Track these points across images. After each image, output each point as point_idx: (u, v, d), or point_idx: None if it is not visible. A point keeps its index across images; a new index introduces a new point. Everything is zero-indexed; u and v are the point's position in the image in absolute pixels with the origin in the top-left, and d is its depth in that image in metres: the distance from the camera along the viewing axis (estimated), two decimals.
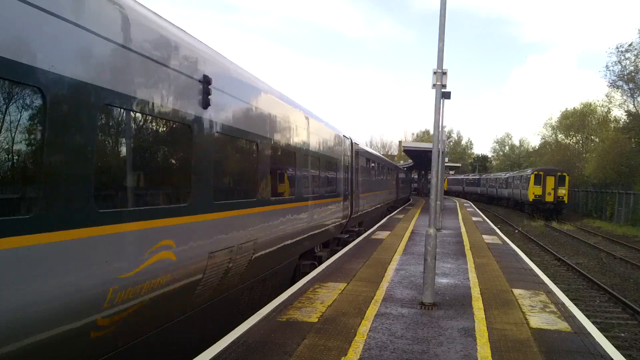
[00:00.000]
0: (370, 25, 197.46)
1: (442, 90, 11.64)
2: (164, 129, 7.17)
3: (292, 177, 13.16)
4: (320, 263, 15.89)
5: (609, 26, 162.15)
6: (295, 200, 13.15)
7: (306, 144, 14.39)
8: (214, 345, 7.86)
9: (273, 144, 11.51)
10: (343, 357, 7.48)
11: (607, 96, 57.02)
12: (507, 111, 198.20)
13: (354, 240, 21.92)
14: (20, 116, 4.76)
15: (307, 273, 13.96)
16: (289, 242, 12.76)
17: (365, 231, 25.71)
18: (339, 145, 19.77)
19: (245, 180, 10.39)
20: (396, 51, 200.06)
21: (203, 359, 7.23)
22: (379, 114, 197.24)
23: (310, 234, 14.85)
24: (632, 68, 51.80)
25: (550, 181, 52.91)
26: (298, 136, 13.63)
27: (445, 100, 26.68)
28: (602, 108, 65.29)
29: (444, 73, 11.50)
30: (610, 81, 54.80)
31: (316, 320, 9.33)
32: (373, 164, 32.13)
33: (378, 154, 44.84)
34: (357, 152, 24.45)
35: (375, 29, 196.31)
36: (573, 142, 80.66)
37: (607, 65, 70.16)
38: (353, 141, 23.53)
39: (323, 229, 16.75)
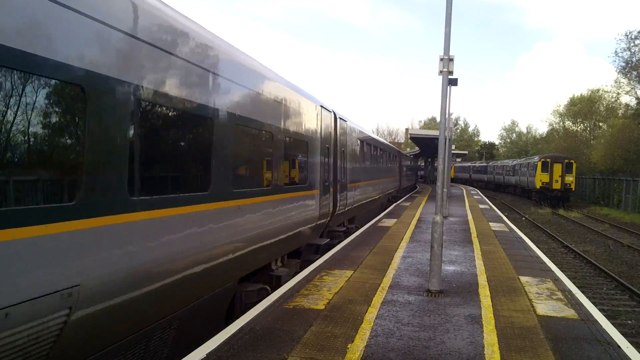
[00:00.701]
0: (375, 14, 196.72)
1: (449, 76, 11.60)
2: None
3: (207, 159, 8.22)
4: (278, 285, 11.34)
5: (616, 13, 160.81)
6: (215, 199, 8.28)
7: (248, 111, 9.79)
8: (221, 332, 7.90)
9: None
10: (350, 344, 7.50)
11: (615, 82, 56.56)
12: (514, 98, 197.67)
13: (342, 241, 18.02)
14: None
15: (253, 303, 9.77)
16: (198, 268, 7.84)
17: (357, 229, 21.46)
18: (311, 119, 14.74)
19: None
20: (402, 39, 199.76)
21: (210, 346, 7.26)
22: (386, 101, 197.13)
23: (256, 245, 10.22)
24: None
25: (558, 168, 52.69)
26: (230, 96, 9.07)
27: (452, 88, 26.58)
28: (611, 94, 64.81)
29: (451, 59, 11.45)
30: (619, 67, 54.37)
31: (323, 307, 9.36)
32: (368, 148, 26.73)
33: (375, 136, 37.87)
34: (344, 132, 19.80)
35: (380, 17, 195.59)
36: (580, 129, 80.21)
37: (616, 51, 69.56)
38: (338, 116, 18.57)
39: (283, 236, 11.95)
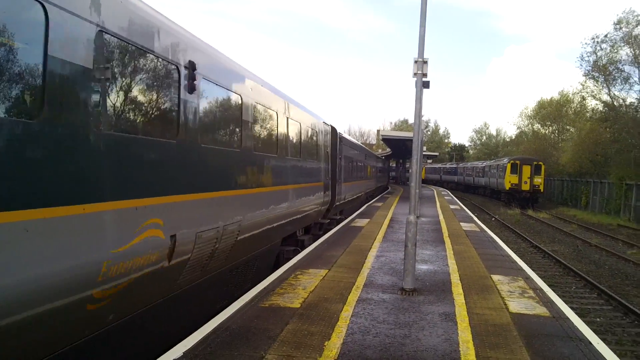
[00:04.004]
0: (352, 16, 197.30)
1: (423, 79, 11.66)
2: None
3: (273, 162, 12.98)
4: (302, 247, 16.59)
5: (586, 19, 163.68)
6: (277, 184, 13.13)
7: (285, 133, 14.40)
8: (197, 331, 7.86)
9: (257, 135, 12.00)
10: (327, 342, 7.53)
11: (581, 84, 57.46)
12: (485, 101, 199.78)
13: (334, 227, 22.01)
14: None
15: (290, 259, 14.07)
16: (272, 225, 12.88)
17: (345, 219, 25.66)
18: (321, 133, 19.94)
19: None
20: (377, 42, 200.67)
21: (186, 345, 7.23)
22: (358, 103, 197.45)
23: (291, 218, 15.02)
24: (607, 59, 52.26)
25: (527, 170, 53.37)
26: (279, 125, 13.73)
27: (424, 90, 26.79)
28: (577, 96, 65.86)
29: (425, 62, 11.51)
30: (586, 71, 55.24)
31: (299, 305, 9.37)
32: (354, 153, 31.95)
33: (359, 143, 45.40)
34: (340, 141, 24.71)
35: (357, 19, 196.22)
36: (549, 131, 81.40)
37: (582, 56, 70.74)
38: (338, 132, 23.76)
39: (304, 214, 16.98)
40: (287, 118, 14.41)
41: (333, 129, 23.27)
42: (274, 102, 13.31)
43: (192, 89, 8.02)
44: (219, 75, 9.46)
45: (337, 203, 23.75)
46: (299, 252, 15.21)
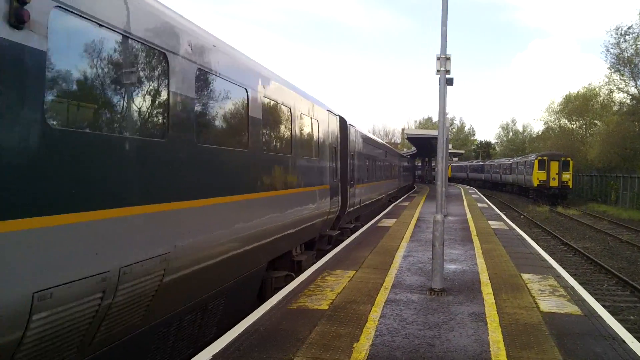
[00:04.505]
0: (370, 14, 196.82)
1: (446, 76, 11.59)
2: None
3: (238, 161, 9.28)
4: (300, 270, 13.13)
5: (611, 10, 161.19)
6: (249, 190, 9.56)
7: (262, 119, 10.49)
8: (225, 334, 7.89)
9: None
10: (355, 344, 7.50)
11: (607, 77, 56.48)
12: (511, 97, 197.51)
13: (346, 238, 18.65)
14: None
15: (280, 288, 11.21)
16: (245, 248, 9.42)
17: (362, 227, 22.30)
18: (323, 124, 16.20)
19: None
20: (397, 39, 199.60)
21: (215, 348, 7.25)
22: (382, 102, 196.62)
23: (281, 235, 11.53)
24: (632, 51, 51.36)
25: (555, 166, 52.71)
26: (252, 108, 9.96)
27: (448, 88, 26.57)
28: (604, 89, 64.82)
29: (448, 58, 11.47)
30: (610, 63, 54.33)
31: (327, 307, 9.35)
32: (371, 150, 28.22)
33: (378, 138, 40.66)
34: (353, 136, 21.45)
35: (375, 17, 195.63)
36: (576, 126, 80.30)
37: (606, 47, 69.57)
38: (349, 123, 20.36)
39: (301, 228, 13.29)
40: (265, 98, 10.63)
41: (342, 120, 19.57)
42: (241, 73, 9.57)
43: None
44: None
45: (350, 209, 20.53)
46: (293, 278, 12.18)
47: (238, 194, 9.06)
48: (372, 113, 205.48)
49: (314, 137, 14.94)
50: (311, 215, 14.18)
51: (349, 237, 19.19)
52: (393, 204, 36.32)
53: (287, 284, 11.25)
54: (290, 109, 12.45)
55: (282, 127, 12.14)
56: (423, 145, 59.77)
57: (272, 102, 11.19)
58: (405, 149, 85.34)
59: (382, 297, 10.15)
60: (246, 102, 9.58)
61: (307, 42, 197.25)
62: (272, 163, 11.00)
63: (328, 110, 17.09)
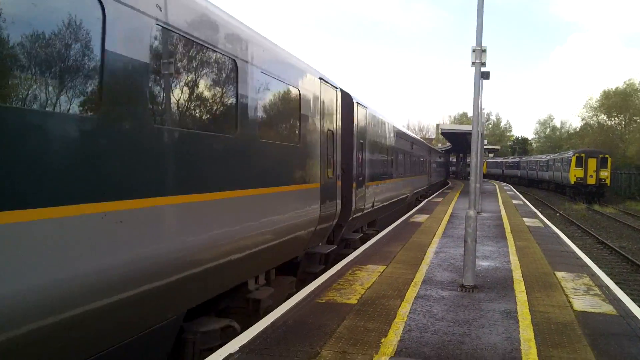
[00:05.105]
0: (404, 9, 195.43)
1: (481, 69, 11.42)
2: None
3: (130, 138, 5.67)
4: (256, 317, 8.70)
5: None
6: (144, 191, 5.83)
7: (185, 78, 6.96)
8: (253, 326, 7.90)
9: None
10: (383, 339, 7.44)
11: None
12: (549, 92, 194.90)
13: (352, 253, 14.19)
14: None
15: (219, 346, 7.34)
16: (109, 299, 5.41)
17: (376, 234, 18.44)
18: (312, 97, 11.65)
19: None
20: (431, 34, 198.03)
21: (242, 340, 7.26)
22: (416, 97, 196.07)
23: (213, 264, 7.41)
24: None
25: (592, 163, 51.84)
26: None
27: (484, 82, 26.20)
28: None
29: (483, 50, 11.27)
30: None
31: (355, 302, 9.30)
32: (393, 140, 23.24)
33: (402, 127, 31.46)
34: (363, 119, 16.71)
35: (410, 12, 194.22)
36: (615, 123, 78.72)
37: None
38: (356, 101, 15.55)
39: (266, 245, 9.21)
40: (188, 40, 6.85)
41: (345, 97, 14.83)
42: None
43: None
44: None
45: (358, 214, 15.99)
46: (238, 332, 7.92)
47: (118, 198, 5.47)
48: (406, 108, 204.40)
49: (293, 113, 10.65)
50: (286, 227, 10.10)
51: (356, 249, 14.98)
52: (426, 200, 36.02)
53: (230, 339, 7.43)
54: (234, 60, 7.97)
55: (216, 90, 7.80)
56: (458, 141, 59.29)
57: (213, 51, 7.46)
58: (439, 144, 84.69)
59: (412, 293, 10.06)
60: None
61: (343, 37, 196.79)
62: (190, 146, 6.82)
63: (321, 79, 12.24)
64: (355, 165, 15.55)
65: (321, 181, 12.10)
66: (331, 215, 13.20)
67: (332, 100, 13.39)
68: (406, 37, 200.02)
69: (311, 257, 12.75)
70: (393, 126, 24.02)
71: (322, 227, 12.57)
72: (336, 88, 13.75)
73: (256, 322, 8.10)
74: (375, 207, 18.77)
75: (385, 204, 21.11)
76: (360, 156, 16.22)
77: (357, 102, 15.75)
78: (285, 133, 10.45)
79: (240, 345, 7.04)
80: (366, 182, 17.03)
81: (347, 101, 14.97)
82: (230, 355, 6.72)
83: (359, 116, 16.04)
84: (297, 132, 10.78)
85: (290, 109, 10.56)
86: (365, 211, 17.22)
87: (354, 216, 15.54)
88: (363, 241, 16.71)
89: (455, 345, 7.28)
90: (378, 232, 18.76)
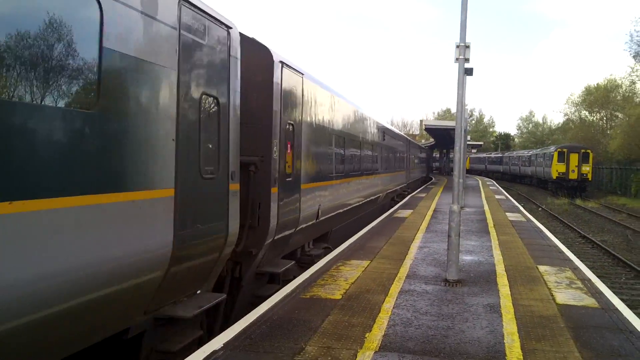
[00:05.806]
0: (387, 2, 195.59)
1: (465, 66, 11.43)
2: None
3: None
4: None
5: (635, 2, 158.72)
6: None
7: None
8: (237, 323, 7.87)
9: None
10: (367, 333, 7.44)
11: (630, 67, 55.84)
12: (531, 88, 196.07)
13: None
14: None
15: None
16: None
17: (328, 251, 14.20)
18: (132, 16, 5.86)
19: None
20: (416, 30, 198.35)
21: (228, 335, 7.23)
22: (399, 93, 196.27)
23: None
24: None
25: (574, 158, 52.27)
26: None
27: (467, 79, 26.21)
28: (626, 80, 63.90)
29: (467, 46, 11.27)
30: (635, 53, 53.58)
31: (340, 297, 9.30)
32: (355, 126, 18.63)
33: (369, 113, 22.69)
34: (294, 89, 11.65)
35: (393, 5, 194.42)
36: (597, 118, 79.42)
37: (630, 36, 68.55)
38: (279, 60, 10.57)
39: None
40: None
41: (254, 49, 10.08)
42: None
43: None
44: None
45: (288, 231, 11.44)
46: None
47: None
48: (390, 105, 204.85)
49: (81, 45, 5.12)
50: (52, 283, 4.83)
51: (289, 281, 10.64)
52: (409, 195, 36.09)
53: None
54: None
55: None
56: (442, 137, 59.38)
57: None
58: (423, 140, 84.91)
59: (396, 288, 10.08)
60: None
61: (324, 31, 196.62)
62: None
63: (194, 8, 7.13)
64: (279, 160, 10.57)
65: (178, 185, 6.76)
66: (214, 242, 7.98)
67: (215, 44, 7.89)
68: (389, 33, 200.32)
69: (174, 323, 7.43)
70: (355, 109, 19.03)
71: (188, 265, 7.28)
72: (229, 28, 8.22)
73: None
74: (322, 218, 13.93)
75: (340, 211, 16.39)
76: (290, 146, 11.38)
77: (283, 63, 10.75)
78: (57, 85, 4.91)
79: (224, 342, 7.00)
80: (303, 182, 12.35)
81: (259, 58, 10.20)
82: (215, 352, 6.69)
83: (287, 86, 11.03)
84: (88, 83, 5.30)
85: (70, 32, 4.97)
86: (304, 225, 12.57)
87: (280, 235, 10.93)
88: (306, 265, 12.49)
89: (439, 340, 7.30)
90: (330, 250, 14.44)
